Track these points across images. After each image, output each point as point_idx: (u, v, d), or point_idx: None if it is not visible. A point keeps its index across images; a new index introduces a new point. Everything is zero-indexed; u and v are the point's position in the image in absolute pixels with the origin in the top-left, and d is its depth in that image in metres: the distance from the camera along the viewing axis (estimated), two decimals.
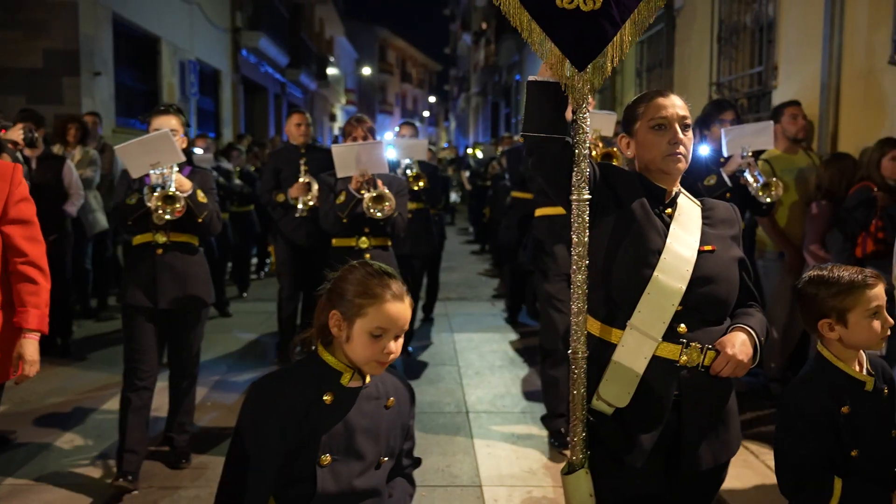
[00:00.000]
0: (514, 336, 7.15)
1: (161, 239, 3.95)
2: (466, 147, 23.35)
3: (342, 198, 4.38)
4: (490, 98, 30.33)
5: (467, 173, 15.12)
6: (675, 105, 2.26)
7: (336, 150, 4.35)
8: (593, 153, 3.94)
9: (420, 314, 7.68)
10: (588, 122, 2.16)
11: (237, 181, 8.57)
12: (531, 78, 2.17)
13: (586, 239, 2.13)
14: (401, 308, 1.93)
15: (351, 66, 42.46)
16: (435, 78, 67.75)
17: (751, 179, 4.54)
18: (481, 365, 6.16)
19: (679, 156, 2.23)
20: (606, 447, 2.18)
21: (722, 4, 8.01)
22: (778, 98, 6.76)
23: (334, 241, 4.58)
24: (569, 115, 2.17)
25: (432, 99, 65.01)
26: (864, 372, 2.24)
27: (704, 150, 4.71)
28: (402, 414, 2.09)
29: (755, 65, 7.36)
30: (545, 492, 3.83)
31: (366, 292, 1.90)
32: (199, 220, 3.93)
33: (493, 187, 10.61)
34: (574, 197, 2.12)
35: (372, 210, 4.29)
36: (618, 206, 2.24)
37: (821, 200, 4.90)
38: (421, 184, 6.09)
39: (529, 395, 5.33)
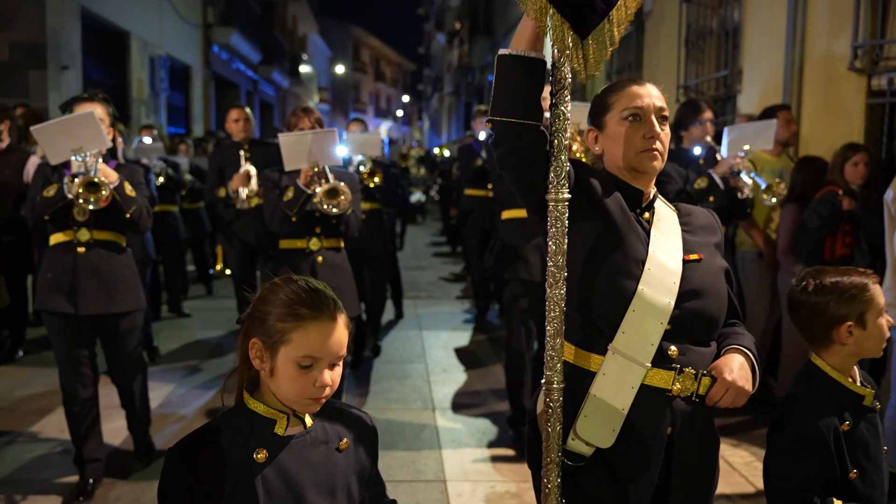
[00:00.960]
0: (481, 335, 7.20)
1: (83, 236, 3.59)
2: (437, 147, 23.39)
3: (290, 194, 3.86)
4: (463, 98, 30.43)
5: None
6: (652, 95, 1.97)
7: (284, 139, 3.84)
8: (573, 148, 3.56)
9: (391, 313, 7.72)
10: (569, 110, 1.82)
11: (188, 176, 7.91)
12: (503, 51, 1.83)
13: (565, 247, 1.81)
14: (333, 330, 1.57)
15: (324, 65, 42.30)
16: (409, 77, 67.71)
17: (748, 181, 4.40)
18: (449, 363, 6.20)
19: (655, 152, 1.93)
20: (587, 496, 1.86)
21: (689, 9, 8.13)
22: (743, 102, 6.90)
23: (282, 243, 4.05)
24: (545, 103, 1.85)
25: (406, 98, 64.97)
26: (859, 384, 2.11)
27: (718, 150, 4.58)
28: (361, 456, 1.72)
29: (721, 68, 7.49)
30: (508, 486, 3.88)
31: (290, 313, 1.55)
32: (127, 215, 3.57)
33: (457, 188, 10.36)
34: (551, 196, 1.80)
35: (326, 206, 3.79)
36: (593, 210, 1.93)
37: (791, 203, 4.84)
38: (376, 180, 5.89)
39: (495, 393, 5.38)
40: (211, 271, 9.47)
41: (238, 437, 1.59)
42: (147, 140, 7.71)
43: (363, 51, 54.47)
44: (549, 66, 1.83)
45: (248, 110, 6.00)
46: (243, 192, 5.49)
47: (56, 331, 3.64)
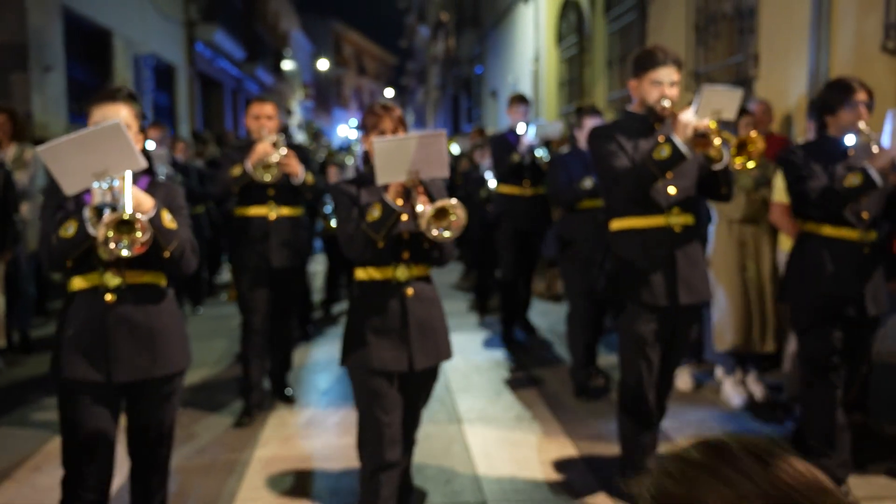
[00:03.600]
0: (496, 338, 6.92)
1: (112, 281, 2.74)
2: None
3: (376, 212, 2.95)
4: (450, 91, 30.07)
5: None
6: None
7: (380, 146, 2.93)
8: (716, 142, 3.25)
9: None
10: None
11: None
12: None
13: None
14: None
15: (307, 60, 41.80)
16: (391, 71, 67.24)
17: None
18: (468, 369, 5.92)
19: None
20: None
21: None
22: (761, 88, 6.64)
23: (361, 273, 3.17)
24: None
25: (389, 92, 64.54)
26: None
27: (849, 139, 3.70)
28: None
29: (734, 53, 7.23)
30: None
31: None
32: (166, 254, 2.71)
33: (463, 186, 8.75)
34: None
35: (434, 230, 2.89)
36: None
37: None
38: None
39: (522, 399, 5.11)
40: (209, 287, 8.81)
41: None
42: (151, 145, 6.53)
43: (345, 45, 53.95)
44: None
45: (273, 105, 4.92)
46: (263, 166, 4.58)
47: (78, 406, 2.75)
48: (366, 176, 3.14)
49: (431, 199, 2.99)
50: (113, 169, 2.56)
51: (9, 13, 8.83)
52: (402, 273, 3.09)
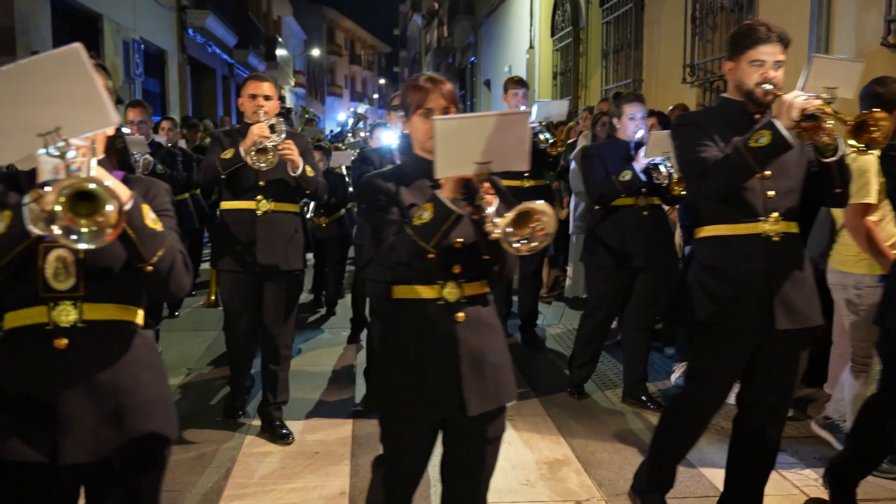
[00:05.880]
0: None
1: (64, 315, 1.91)
2: None
3: (427, 215, 2.23)
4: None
5: None
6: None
7: (443, 126, 2.15)
8: (828, 125, 2.59)
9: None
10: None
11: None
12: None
13: None
14: None
15: (299, 48, 41.54)
16: (384, 60, 66.95)
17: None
18: None
19: None
20: None
21: None
22: None
23: (400, 291, 2.45)
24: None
25: (382, 81, 64.26)
26: None
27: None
28: None
29: None
30: None
31: None
32: (148, 268, 1.90)
33: None
34: None
35: (514, 242, 2.14)
36: None
37: None
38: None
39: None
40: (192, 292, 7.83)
41: None
42: (126, 131, 5.76)
43: (337, 33, 53.66)
44: None
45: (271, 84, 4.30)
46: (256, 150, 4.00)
47: (11, 498, 1.96)
48: (407, 168, 2.49)
49: (504, 199, 2.33)
50: (69, 126, 1.69)
51: None
52: (451, 292, 2.40)
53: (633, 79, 9.52)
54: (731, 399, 4.64)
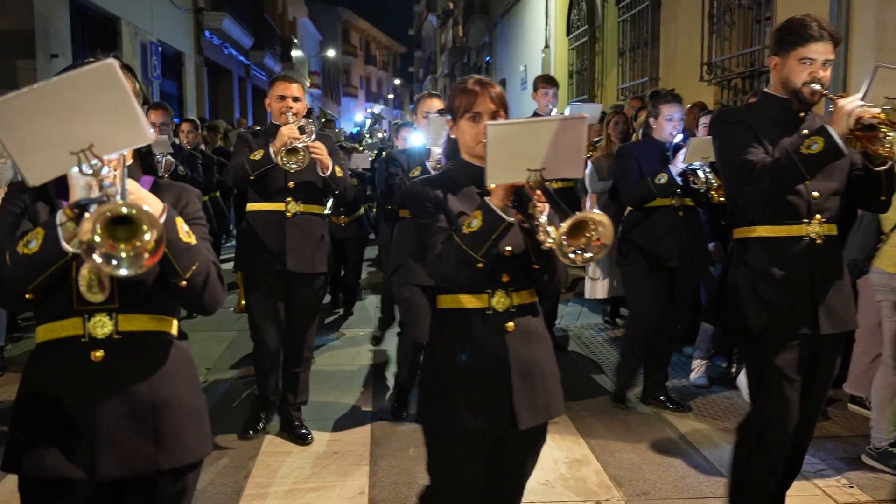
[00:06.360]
0: None
1: (101, 329, 1.89)
2: None
3: (475, 223, 2.15)
4: (459, 79, 29.93)
5: None
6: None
7: (496, 131, 2.08)
8: (888, 137, 2.56)
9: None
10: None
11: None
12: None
13: None
14: None
15: (315, 49, 41.64)
16: (399, 60, 67.02)
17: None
18: None
19: None
20: None
21: None
22: None
23: (445, 300, 2.36)
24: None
25: (397, 81, 64.34)
26: None
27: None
28: None
29: (751, 44, 7.11)
30: None
31: None
32: (182, 283, 1.88)
33: None
34: None
35: (571, 252, 2.04)
36: None
37: None
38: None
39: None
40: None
41: None
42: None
43: (353, 34, 53.75)
44: None
45: (300, 86, 4.26)
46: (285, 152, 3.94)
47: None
48: (454, 174, 2.39)
49: (556, 207, 2.21)
50: (102, 143, 1.65)
51: (16, 0, 8.76)
52: (500, 302, 2.31)
53: (650, 77, 9.47)
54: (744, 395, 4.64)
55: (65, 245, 1.71)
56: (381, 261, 6.12)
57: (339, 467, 3.96)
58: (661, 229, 4.47)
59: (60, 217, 1.71)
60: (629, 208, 4.68)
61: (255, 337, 4.27)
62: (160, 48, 13.57)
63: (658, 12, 9.37)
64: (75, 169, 1.65)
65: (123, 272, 1.60)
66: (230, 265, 4.69)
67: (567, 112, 5.85)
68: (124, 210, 1.56)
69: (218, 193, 7.87)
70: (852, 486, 3.64)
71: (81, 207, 1.66)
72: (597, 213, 2.03)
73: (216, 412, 4.74)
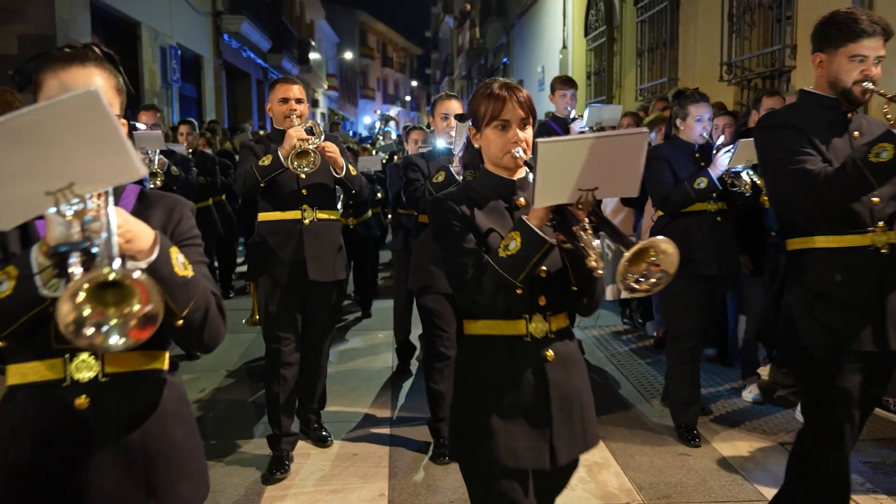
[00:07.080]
0: None
1: (84, 372, 1.65)
2: None
3: (514, 245, 1.96)
4: (476, 81, 29.92)
5: None
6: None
7: (547, 149, 1.83)
8: None
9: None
10: None
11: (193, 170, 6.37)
12: None
13: None
14: None
15: (332, 51, 41.81)
16: (416, 62, 67.10)
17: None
18: None
19: None
20: None
21: None
22: (799, 78, 6.46)
23: (478, 326, 2.15)
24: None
25: (414, 83, 64.43)
26: None
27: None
28: None
29: (771, 44, 7.04)
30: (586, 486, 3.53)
31: None
32: (178, 322, 1.63)
33: None
34: None
35: (633, 281, 1.87)
36: None
37: None
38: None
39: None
40: (232, 294, 8.13)
41: None
42: (141, 126, 5.74)
43: (370, 36, 53.91)
44: None
45: (301, 87, 4.13)
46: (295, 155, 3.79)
47: None
48: (478, 186, 2.18)
49: (603, 227, 1.97)
50: (86, 180, 1.41)
51: (36, 4, 8.85)
52: (538, 327, 2.09)
53: (669, 77, 9.41)
54: (797, 413, 4.47)
55: (41, 290, 1.48)
56: (394, 265, 6.10)
57: (358, 469, 3.96)
58: (698, 236, 4.17)
59: (35, 257, 1.48)
60: (658, 212, 4.40)
61: (270, 354, 4.00)
62: (179, 52, 13.67)
63: (677, 12, 9.30)
64: (54, 209, 1.41)
65: (113, 343, 1.38)
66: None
67: (586, 114, 5.75)
68: (112, 278, 1.34)
69: (224, 196, 7.72)
70: (877, 491, 3.59)
71: (59, 251, 1.42)
72: (662, 240, 1.84)
73: (235, 416, 4.76)
